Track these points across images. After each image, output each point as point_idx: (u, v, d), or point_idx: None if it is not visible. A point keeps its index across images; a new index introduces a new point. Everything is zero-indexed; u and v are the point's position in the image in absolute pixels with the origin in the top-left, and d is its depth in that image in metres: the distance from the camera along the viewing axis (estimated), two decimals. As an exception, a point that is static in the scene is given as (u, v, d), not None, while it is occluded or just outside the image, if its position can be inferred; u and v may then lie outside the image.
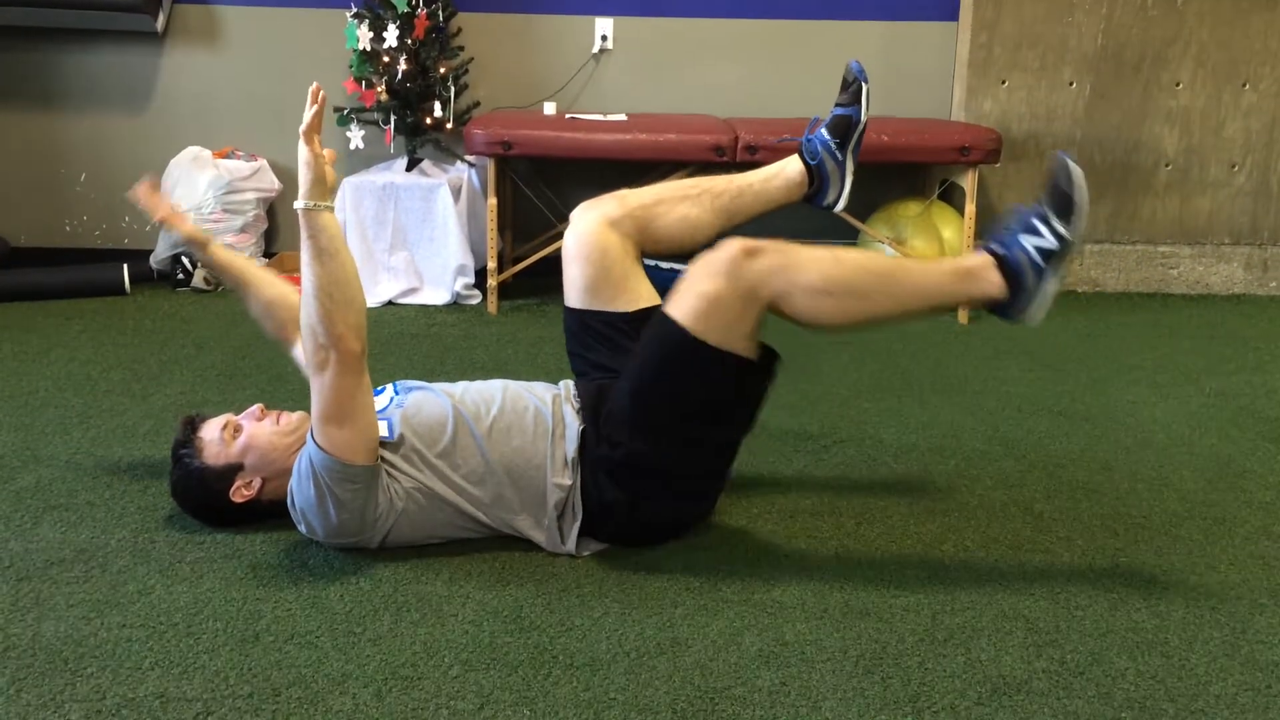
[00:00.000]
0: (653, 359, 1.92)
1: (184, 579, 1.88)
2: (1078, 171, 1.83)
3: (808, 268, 1.82)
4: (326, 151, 1.84)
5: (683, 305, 1.87)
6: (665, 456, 1.94)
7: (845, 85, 2.21)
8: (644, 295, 2.11)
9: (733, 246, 1.83)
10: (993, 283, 1.84)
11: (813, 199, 2.22)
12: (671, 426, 1.93)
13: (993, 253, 1.85)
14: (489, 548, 1.99)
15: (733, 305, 1.83)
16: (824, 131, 2.18)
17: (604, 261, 2.08)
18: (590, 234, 2.09)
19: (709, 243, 2.06)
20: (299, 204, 1.81)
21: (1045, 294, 1.83)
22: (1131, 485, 2.37)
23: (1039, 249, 1.82)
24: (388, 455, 1.94)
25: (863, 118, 2.19)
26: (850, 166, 2.21)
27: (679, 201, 2.13)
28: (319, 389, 1.84)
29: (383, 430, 1.96)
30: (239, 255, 2.30)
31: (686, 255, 2.12)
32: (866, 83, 2.19)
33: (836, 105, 2.21)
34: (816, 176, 2.19)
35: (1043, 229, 1.83)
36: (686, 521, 2.06)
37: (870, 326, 1.86)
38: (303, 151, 1.81)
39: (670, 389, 1.91)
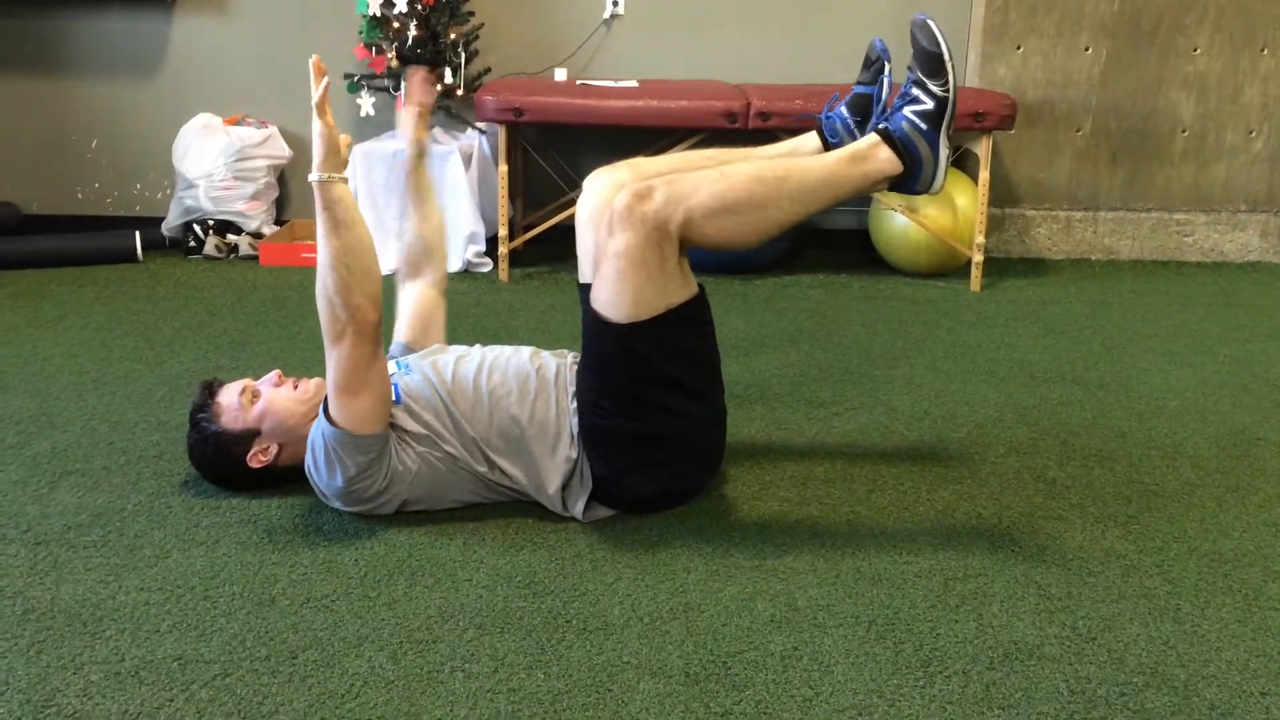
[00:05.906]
0: (601, 358, 1.90)
1: (200, 543, 1.89)
2: (934, 25, 1.84)
3: (701, 191, 1.82)
4: (343, 138, 1.85)
5: (607, 292, 1.84)
6: (640, 427, 1.91)
7: (868, 63, 2.16)
8: None
9: (623, 197, 1.81)
10: (885, 159, 1.85)
11: None
12: (643, 399, 1.90)
13: (880, 131, 1.86)
14: (502, 514, 2.00)
15: (649, 253, 1.81)
16: (844, 109, 2.11)
17: None
18: (604, 201, 2.07)
19: None
20: (314, 176, 1.82)
21: (941, 158, 1.84)
22: (1145, 452, 2.36)
23: (920, 114, 1.83)
24: (398, 421, 1.95)
25: (883, 96, 2.12)
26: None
27: (697, 172, 2.10)
28: (336, 359, 1.84)
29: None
30: (432, 184, 2.36)
31: None
32: (890, 61, 2.14)
33: (858, 83, 2.17)
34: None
35: (920, 94, 1.84)
36: (680, 491, 2.04)
37: (783, 230, 1.89)
38: (316, 124, 1.81)
39: (630, 373, 1.89)
